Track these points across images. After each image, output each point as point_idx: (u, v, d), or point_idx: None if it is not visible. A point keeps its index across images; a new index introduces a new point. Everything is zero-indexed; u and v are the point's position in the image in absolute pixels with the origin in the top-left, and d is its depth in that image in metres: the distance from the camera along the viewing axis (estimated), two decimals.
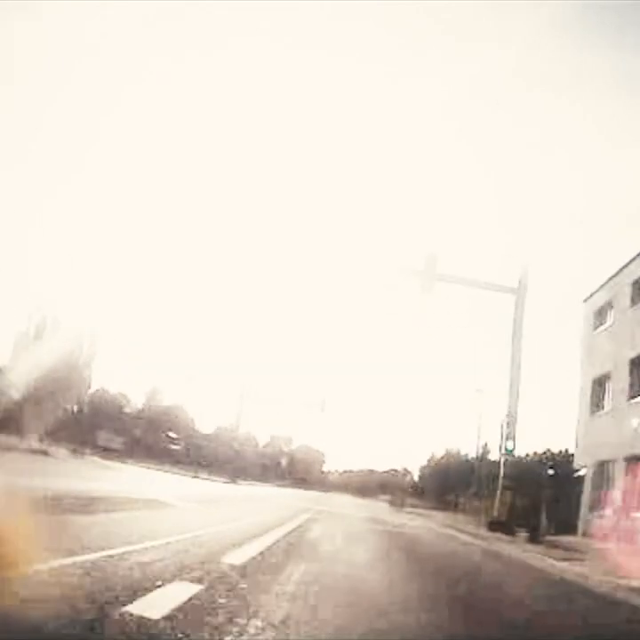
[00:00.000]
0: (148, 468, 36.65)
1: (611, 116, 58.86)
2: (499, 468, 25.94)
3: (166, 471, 37.48)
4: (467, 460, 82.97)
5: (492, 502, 26.70)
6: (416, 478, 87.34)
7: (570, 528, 26.18)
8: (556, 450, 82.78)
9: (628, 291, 26.48)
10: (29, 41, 37.61)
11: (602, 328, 29.00)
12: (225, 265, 48.18)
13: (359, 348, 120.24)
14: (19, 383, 27.58)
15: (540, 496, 26.44)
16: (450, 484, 65.08)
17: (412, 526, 22.42)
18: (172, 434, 55.31)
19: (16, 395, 27.32)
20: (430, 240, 65.87)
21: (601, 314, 29.31)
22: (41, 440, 28.86)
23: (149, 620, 3.32)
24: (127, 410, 70.40)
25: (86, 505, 8.70)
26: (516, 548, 17.08)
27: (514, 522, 22.80)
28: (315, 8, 49.01)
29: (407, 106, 54.75)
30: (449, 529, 25.06)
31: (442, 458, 76.78)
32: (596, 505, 25.61)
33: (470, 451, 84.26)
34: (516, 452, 67.83)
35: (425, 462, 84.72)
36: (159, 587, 4.14)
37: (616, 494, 23.71)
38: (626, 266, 27.29)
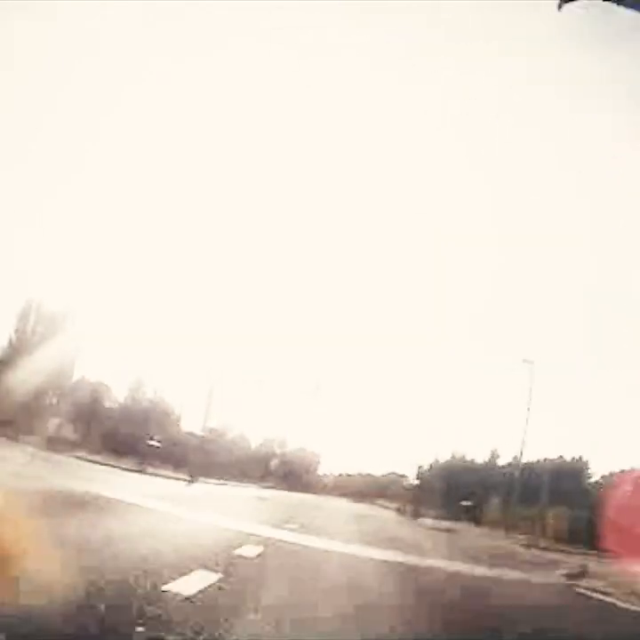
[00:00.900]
0: (93, 460, 31.37)
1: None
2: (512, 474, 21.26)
3: (109, 465, 31.96)
4: (476, 465, 77.48)
5: (541, 516, 21.05)
6: (414, 482, 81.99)
7: None
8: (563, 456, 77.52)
9: None
10: (29, 40, 38.52)
11: None
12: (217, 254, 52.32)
13: (356, 342, 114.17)
14: None
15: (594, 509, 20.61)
16: (458, 491, 59.24)
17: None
18: (144, 428, 49.71)
19: None
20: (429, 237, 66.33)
21: None
22: None
23: None
24: (106, 402, 66.27)
25: None
26: None
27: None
28: (315, 14, 50.20)
29: (408, 110, 57.82)
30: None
31: (448, 461, 71.07)
32: None
33: (476, 454, 79.37)
34: (524, 459, 62.08)
35: (426, 466, 79.11)
36: None
37: None
38: None
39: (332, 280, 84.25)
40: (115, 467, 32.10)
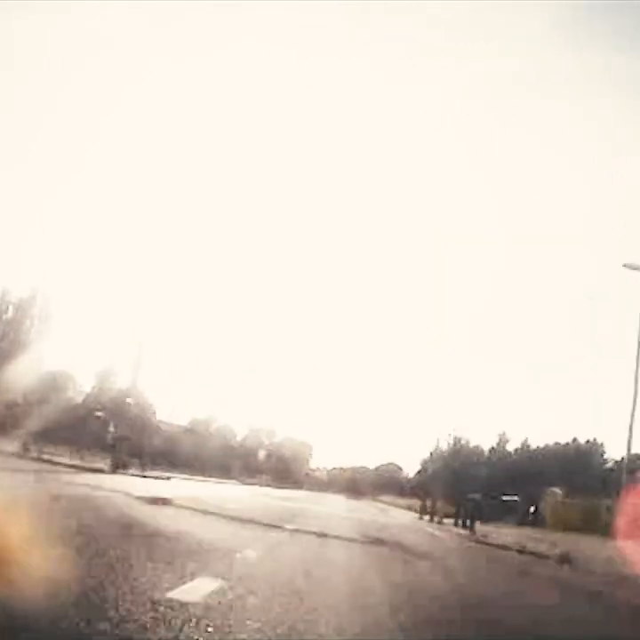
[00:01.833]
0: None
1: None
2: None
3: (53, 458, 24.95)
4: (484, 452, 70.83)
5: None
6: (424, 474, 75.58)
7: None
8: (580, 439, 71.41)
9: None
10: (29, 40, 37.90)
11: None
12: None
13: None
14: None
15: None
16: (468, 482, 52.25)
17: None
18: (100, 414, 42.60)
19: None
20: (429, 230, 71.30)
21: None
22: None
23: None
24: (70, 392, 60.15)
25: None
26: None
27: None
28: (314, 13, 53.11)
29: (407, 107, 62.76)
30: None
31: (451, 449, 64.09)
32: None
33: (479, 440, 72.73)
34: (535, 443, 55.16)
35: (428, 455, 72.47)
36: None
37: None
38: None
39: (330, 263, 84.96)
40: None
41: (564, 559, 14.36)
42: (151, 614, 3.62)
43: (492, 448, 65.70)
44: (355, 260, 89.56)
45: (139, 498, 13.62)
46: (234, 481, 46.68)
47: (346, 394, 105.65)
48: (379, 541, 13.59)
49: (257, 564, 6.83)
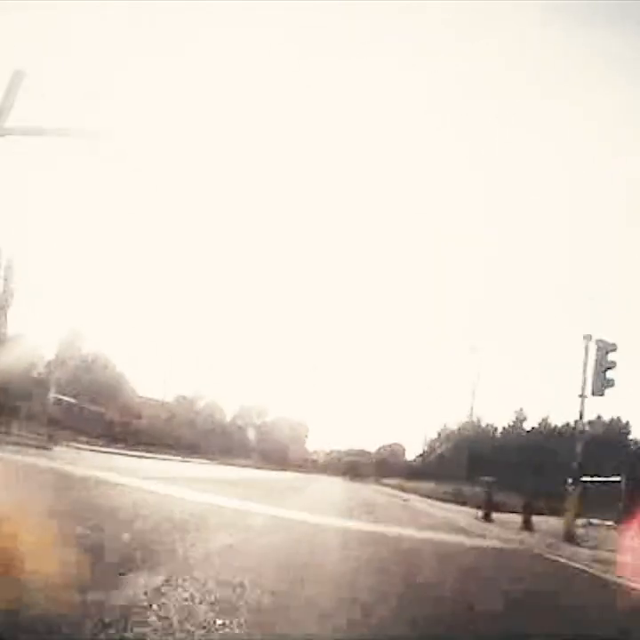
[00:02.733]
0: None
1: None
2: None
3: None
4: (496, 431, 65.46)
5: None
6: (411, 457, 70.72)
7: None
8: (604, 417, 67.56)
9: None
10: (28, 40, 36.71)
11: None
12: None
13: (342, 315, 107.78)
14: None
15: None
16: (481, 464, 46.56)
17: None
18: (56, 394, 36.39)
19: None
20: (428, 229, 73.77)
21: None
22: None
23: None
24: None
25: None
26: None
27: None
28: (314, 13, 51.94)
29: (406, 106, 64.49)
30: None
31: (460, 429, 58.45)
32: None
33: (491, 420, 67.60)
34: (552, 421, 49.36)
35: (435, 435, 67.13)
36: None
37: None
38: None
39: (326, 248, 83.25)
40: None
41: None
42: None
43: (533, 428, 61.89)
44: (353, 250, 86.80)
45: None
46: (214, 462, 41.01)
47: (344, 374, 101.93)
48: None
49: None
